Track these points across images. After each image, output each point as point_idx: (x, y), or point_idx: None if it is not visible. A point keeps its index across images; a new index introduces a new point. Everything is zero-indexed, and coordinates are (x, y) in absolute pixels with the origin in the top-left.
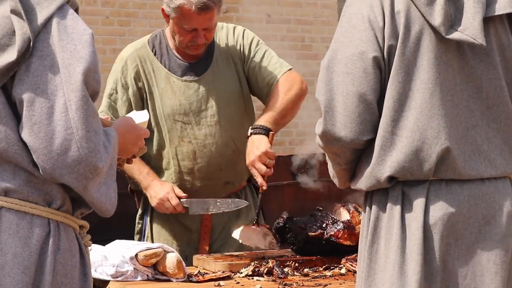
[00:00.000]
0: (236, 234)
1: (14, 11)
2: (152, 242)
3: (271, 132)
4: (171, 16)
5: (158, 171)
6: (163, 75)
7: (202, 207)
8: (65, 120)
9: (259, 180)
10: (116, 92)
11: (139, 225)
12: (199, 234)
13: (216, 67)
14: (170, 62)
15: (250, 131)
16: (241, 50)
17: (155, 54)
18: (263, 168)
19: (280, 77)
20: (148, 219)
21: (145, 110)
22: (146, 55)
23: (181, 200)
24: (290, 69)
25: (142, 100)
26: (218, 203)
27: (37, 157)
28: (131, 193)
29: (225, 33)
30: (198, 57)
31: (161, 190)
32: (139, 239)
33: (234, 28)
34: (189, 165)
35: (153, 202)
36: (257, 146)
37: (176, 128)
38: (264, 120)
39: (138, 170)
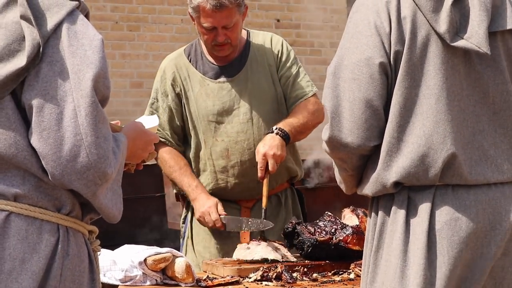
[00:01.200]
0: (237, 254)
1: (23, 17)
2: (192, 241)
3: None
4: (194, 16)
5: (198, 173)
6: (198, 79)
7: (236, 224)
8: (74, 126)
9: (261, 174)
10: (157, 101)
11: (182, 229)
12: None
13: (250, 68)
14: (204, 66)
15: (276, 130)
16: (279, 55)
17: (190, 61)
18: (275, 166)
19: (309, 96)
20: (189, 219)
21: (155, 115)
22: (182, 63)
23: (221, 216)
24: (316, 92)
25: (181, 105)
26: (249, 222)
27: (46, 163)
28: (176, 199)
29: (262, 39)
30: (231, 60)
31: (205, 204)
32: (182, 240)
33: (272, 35)
34: (223, 164)
35: (196, 214)
36: (279, 147)
37: (210, 129)
38: (288, 128)
39: (188, 183)
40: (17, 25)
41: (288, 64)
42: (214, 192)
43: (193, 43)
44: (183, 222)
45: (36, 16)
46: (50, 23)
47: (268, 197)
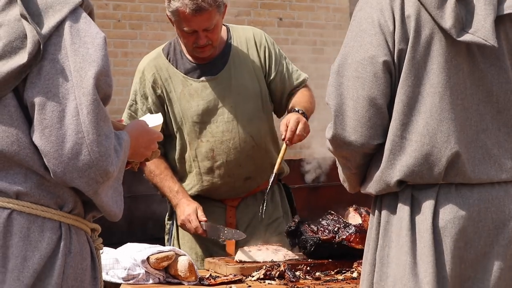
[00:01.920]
0: (239, 256)
1: (22, 15)
2: (178, 241)
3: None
4: (173, 20)
5: (183, 175)
6: (180, 80)
7: (215, 232)
8: (76, 124)
9: (288, 135)
10: (136, 103)
11: (168, 226)
12: None
13: (233, 65)
14: (185, 66)
15: (300, 111)
16: (266, 51)
17: (170, 61)
18: (302, 132)
19: (303, 85)
20: (175, 218)
21: (159, 114)
22: (162, 63)
23: (201, 223)
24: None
25: (163, 107)
26: (225, 231)
27: (48, 160)
28: (162, 196)
29: (243, 34)
30: (212, 58)
31: (185, 211)
32: (168, 240)
33: (253, 30)
34: (209, 164)
35: (178, 221)
36: (304, 128)
37: (195, 130)
38: (305, 110)
39: (169, 188)
40: (19, 23)
41: (279, 59)
42: (200, 194)
43: (171, 42)
44: (169, 220)
45: (38, 14)
46: (53, 21)
47: (254, 194)
